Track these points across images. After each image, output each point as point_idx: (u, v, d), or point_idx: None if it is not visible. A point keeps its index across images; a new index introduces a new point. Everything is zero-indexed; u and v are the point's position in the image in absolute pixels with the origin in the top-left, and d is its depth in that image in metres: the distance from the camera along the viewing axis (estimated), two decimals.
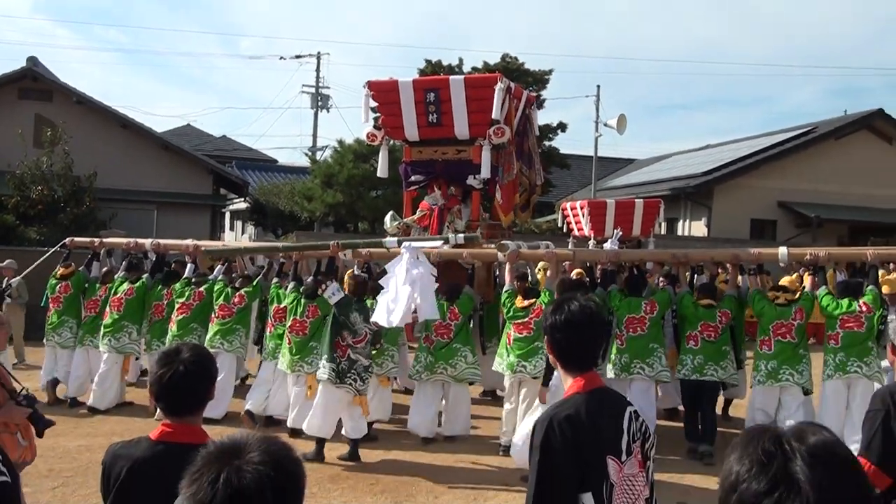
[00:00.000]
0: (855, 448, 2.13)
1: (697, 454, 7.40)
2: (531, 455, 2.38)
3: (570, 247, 12.08)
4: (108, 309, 9.19)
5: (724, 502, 1.31)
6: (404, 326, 8.07)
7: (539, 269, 10.62)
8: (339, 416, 7.33)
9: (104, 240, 10.61)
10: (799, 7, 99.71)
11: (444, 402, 8.11)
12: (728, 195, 21.69)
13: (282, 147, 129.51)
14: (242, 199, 26.35)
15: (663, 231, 19.27)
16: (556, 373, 6.11)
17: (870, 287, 7.11)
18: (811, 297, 7.31)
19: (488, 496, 6.42)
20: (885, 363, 6.79)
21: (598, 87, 22.97)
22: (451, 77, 10.04)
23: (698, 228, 22.15)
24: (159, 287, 9.37)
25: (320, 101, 32.76)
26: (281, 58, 34.56)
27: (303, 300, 7.99)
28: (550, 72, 21.96)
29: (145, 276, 9.43)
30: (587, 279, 8.47)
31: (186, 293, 9.04)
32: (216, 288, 8.99)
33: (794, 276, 11.68)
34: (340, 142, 21.54)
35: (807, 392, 7.21)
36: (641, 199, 14.34)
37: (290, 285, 8.26)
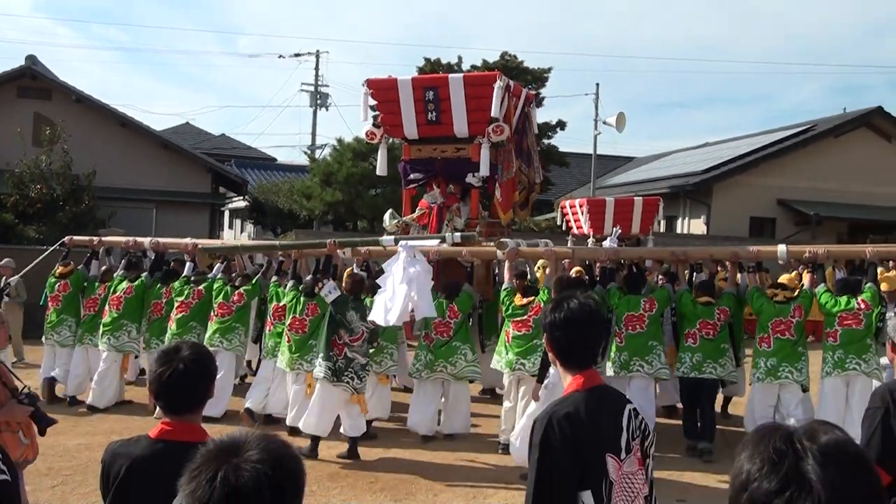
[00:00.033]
0: None
1: (697, 452, 7.41)
2: (530, 453, 2.39)
3: (569, 245, 12.09)
4: (107, 307, 9.19)
5: (735, 501, 1.30)
6: (403, 324, 8.07)
7: (538, 267, 10.63)
8: (337, 414, 7.33)
9: (103, 238, 10.61)
10: (799, 5, 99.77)
11: (443, 400, 8.12)
12: (727, 193, 21.70)
13: (281, 145, 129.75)
14: (241, 198, 26.35)
15: (662, 229, 19.28)
16: (553, 370, 6.12)
17: (868, 284, 7.12)
18: (810, 294, 7.31)
19: (487, 494, 6.42)
20: (883, 360, 6.79)
21: (597, 85, 23.00)
22: (451, 75, 10.04)
23: (697, 226, 22.16)
24: (158, 285, 9.36)
25: (319, 99, 32.74)
26: (280, 56, 34.68)
27: (302, 298, 7.98)
28: (549, 70, 21.96)
29: (144, 274, 9.42)
30: (586, 277, 8.47)
31: (186, 292, 9.04)
32: (215, 286, 8.99)
33: (794, 273, 11.70)
34: (339, 140, 21.57)
35: (804, 389, 7.23)
36: (640, 197, 14.35)
37: (290, 284, 8.26)
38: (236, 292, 8.87)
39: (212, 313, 8.87)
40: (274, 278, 8.79)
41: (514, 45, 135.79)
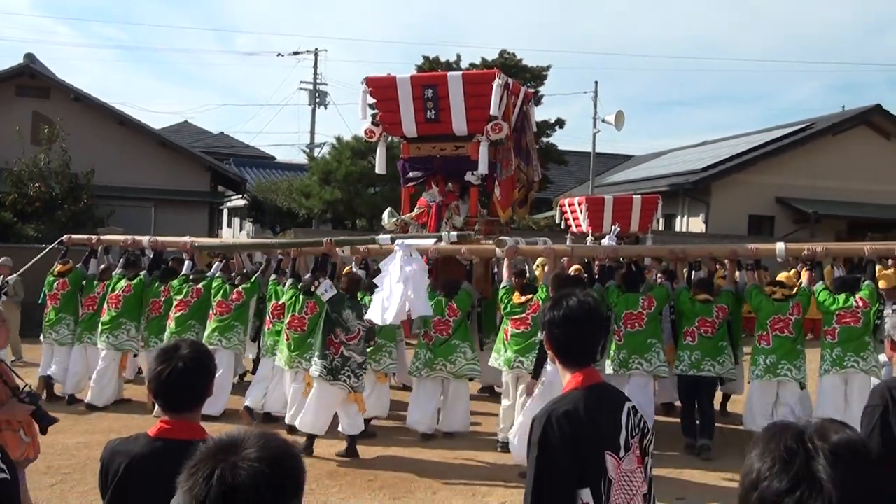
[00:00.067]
0: None
1: (696, 449, 7.41)
2: (529, 451, 2.38)
3: (568, 243, 12.08)
4: (105, 306, 9.19)
5: (745, 500, 1.29)
6: (401, 323, 8.06)
7: (537, 266, 10.63)
8: (333, 413, 7.33)
9: (102, 237, 10.60)
10: (799, 3, 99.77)
11: (442, 398, 8.12)
12: (726, 191, 21.72)
13: (280, 144, 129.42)
14: (240, 196, 26.34)
15: (661, 227, 19.28)
16: (550, 367, 6.12)
17: (866, 282, 7.11)
18: (808, 292, 7.31)
19: (486, 492, 6.42)
20: (882, 358, 6.80)
21: (596, 83, 23.02)
22: (449, 73, 10.03)
23: (696, 224, 22.18)
24: (157, 284, 9.35)
25: (318, 97, 32.69)
26: (279, 54, 34.57)
27: (301, 297, 7.98)
28: (548, 68, 21.99)
29: (143, 273, 9.41)
30: (585, 275, 8.47)
31: (184, 290, 9.04)
32: (214, 285, 8.98)
33: (792, 271, 11.72)
34: (338, 138, 21.59)
35: (802, 387, 7.23)
36: (639, 196, 14.35)
37: (288, 282, 8.26)
38: (235, 291, 8.87)
39: (211, 312, 8.87)
40: (273, 277, 8.79)
41: (514, 43, 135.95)
